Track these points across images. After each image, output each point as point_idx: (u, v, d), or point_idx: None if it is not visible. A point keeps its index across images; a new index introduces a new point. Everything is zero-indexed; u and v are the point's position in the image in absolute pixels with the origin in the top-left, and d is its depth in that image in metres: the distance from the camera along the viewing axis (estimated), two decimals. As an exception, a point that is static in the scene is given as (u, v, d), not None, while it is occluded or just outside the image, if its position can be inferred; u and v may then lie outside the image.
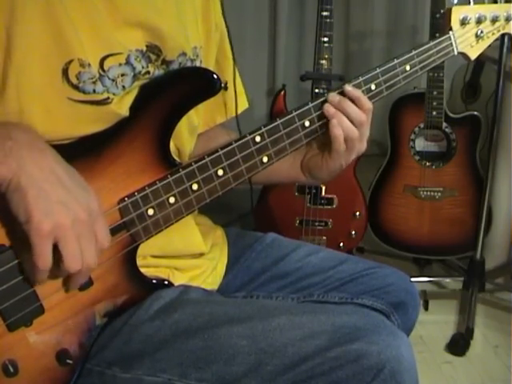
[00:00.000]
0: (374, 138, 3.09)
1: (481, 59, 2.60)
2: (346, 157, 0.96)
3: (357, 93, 0.94)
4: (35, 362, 0.76)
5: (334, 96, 0.93)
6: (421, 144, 2.09)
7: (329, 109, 0.93)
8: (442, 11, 1.91)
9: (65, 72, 0.77)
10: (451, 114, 2.04)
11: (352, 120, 0.93)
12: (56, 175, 0.70)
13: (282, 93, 2.01)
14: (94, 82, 0.79)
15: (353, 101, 0.94)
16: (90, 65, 0.78)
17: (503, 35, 1.32)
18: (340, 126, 0.92)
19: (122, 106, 0.82)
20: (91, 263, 0.72)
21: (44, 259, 0.68)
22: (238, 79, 1.08)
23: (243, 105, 1.10)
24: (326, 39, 1.89)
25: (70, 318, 0.79)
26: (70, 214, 0.69)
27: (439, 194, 2.09)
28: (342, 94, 0.94)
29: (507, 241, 2.19)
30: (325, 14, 1.87)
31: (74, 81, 0.78)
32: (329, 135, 0.93)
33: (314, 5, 1.99)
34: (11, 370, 0.74)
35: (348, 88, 0.94)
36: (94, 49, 0.79)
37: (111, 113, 0.81)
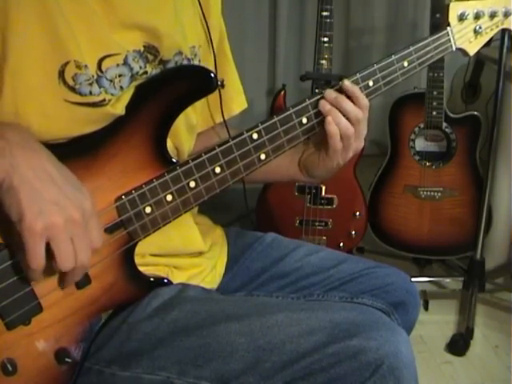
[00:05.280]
0: (374, 138, 3.09)
1: (481, 59, 2.60)
2: (343, 155, 0.94)
3: (354, 89, 0.92)
4: (34, 361, 0.77)
5: (330, 92, 0.92)
6: (421, 144, 2.09)
7: (324, 105, 0.92)
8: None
9: (61, 74, 0.77)
10: (451, 114, 2.04)
11: (348, 117, 0.91)
12: (49, 175, 0.70)
13: (282, 93, 2.01)
14: (91, 84, 0.79)
15: (349, 97, 0.92)
16: (86, 66, 0.78)
17: (503, 34, 1.32)
18: (335, 123, 0.91)
19: (118, 107, 0.82)
20: (85, 262, 0.72)
21: (36, 259, 0.68)
22: (237, 79, 1.08)
23: (242, 105, 1.10)
24: (325, 39, 1.89)
25: (69, 316, 0.79)
26: (62, 214, 0.68)
27: (439, 194, 2.09)
28: (340, 90, 0.93)
29: (507, 241, 2.18)
30: (325, 14, 1.88)
31: (71, 82, 0.78)
32: (325, 133, 0.92)
33: (313, 5, 1.99)
34: (10, 368, 0.74)
35: (346, 83, 0.92)
36: (91, 50, 0.79)
37: (108, 114, 0.81)
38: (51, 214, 0.68)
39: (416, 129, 2.06)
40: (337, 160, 0.95)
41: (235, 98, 1.08)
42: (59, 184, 0.70)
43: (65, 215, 0.69)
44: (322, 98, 0.92)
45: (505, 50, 1.77)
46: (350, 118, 0.92)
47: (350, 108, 0.92)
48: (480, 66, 2.80)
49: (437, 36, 1.03)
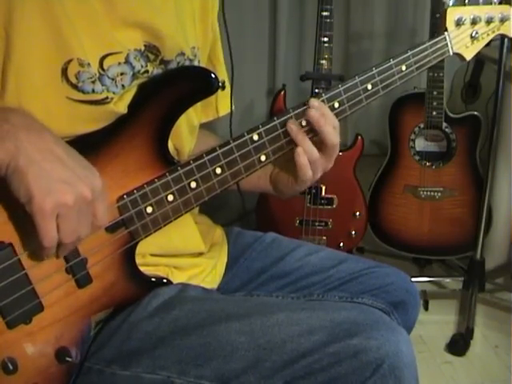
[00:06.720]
0: (374, 138, 3.10)
1: (481, 59, 2.60)
2: (313, 179, 0.93)
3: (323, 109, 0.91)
4: (34, 360, 0.77)
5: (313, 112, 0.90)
6: (421, 144, 2.09)
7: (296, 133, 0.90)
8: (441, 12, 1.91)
9: (64, 71, 0.77)
10: (451, 114, 2.04)
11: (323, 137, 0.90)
12: (56, 155, 0.70)
13: (282, 93, 2.01)
14: (93, 82, 0.79)
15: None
16: (89, 64, 0.79)
17: (503, 35, 1.32)
18: (305, 153, 0.89)
19: (120, 105, 0.83)
20: (82, 238, 0.73)
21: (49, 237, 0.69)
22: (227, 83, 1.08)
23: (226, 108, 1.09)
24: (325, 39, 1.89)
25: (70, 315, 0.79)
26: (72, 192, 0.69)
27: (439, 194, 2.09)
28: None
29: (507, 241, 2.19)
30: (325, 14, 1.87)
31: (74, 80, 0.78)
32: (294, 163, 0.90)
33: (313, 5, 1.99)
34: (10, 367, 0.74)
35: (313, 103, 0.90)
36: (93, 48, 0.80)
37: (110, 112, 0.81)
38: (61, 192, 0.68)
39: (416, 129, 2.06)
40: (305, 186, 0.95)
41: (221, 101, 1.07)
42: (68, 164, 0.70)
43: (75, 193, 0.69)
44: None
45: (505, 50, 1.77)
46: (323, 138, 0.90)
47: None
48: (480, 65, 2.80)
49: (435, 41, 1.04)
